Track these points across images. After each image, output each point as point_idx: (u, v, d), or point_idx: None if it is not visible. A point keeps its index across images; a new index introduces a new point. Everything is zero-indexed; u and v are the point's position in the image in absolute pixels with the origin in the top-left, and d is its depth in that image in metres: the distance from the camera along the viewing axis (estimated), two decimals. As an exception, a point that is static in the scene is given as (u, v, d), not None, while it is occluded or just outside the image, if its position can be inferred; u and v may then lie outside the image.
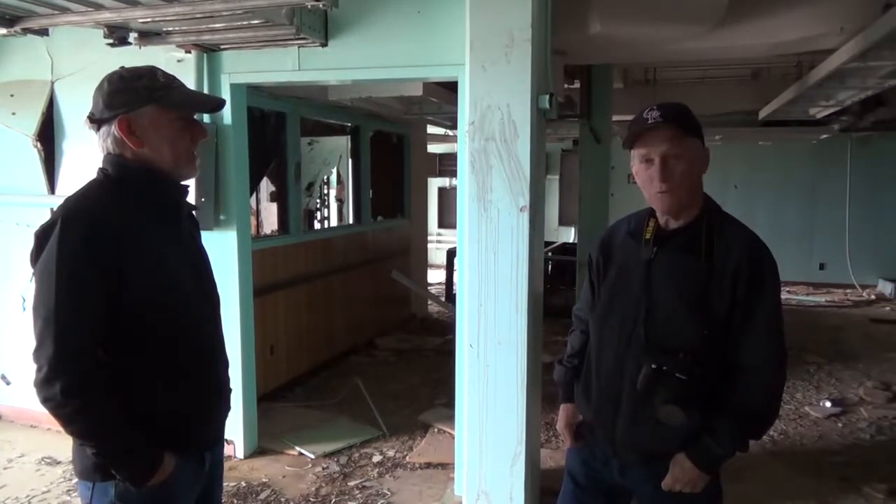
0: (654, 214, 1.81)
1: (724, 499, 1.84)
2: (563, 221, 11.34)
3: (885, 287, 9.32)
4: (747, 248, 1.71)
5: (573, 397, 2.00)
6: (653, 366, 1.66)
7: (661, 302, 1.73)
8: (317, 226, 7.07)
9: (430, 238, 9.09)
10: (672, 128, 1.69)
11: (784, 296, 9.17)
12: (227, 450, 3.79)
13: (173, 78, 1.61)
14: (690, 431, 1.70)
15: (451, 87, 3.96)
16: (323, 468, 3.75)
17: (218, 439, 1.78)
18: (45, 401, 1.43)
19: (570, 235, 10.80)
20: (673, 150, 1.68)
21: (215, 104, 1.79)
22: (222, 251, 3.65)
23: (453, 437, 3.64)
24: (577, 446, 1.99)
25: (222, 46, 3.51)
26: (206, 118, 3.49)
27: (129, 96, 1.53)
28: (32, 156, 4.02)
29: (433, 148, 9.63)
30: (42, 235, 1.46)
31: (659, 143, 1.69)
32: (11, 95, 4.05)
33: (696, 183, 1.75)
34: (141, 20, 2.96)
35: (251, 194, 5.23)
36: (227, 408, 1.77)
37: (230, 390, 1.78)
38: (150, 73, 1.57)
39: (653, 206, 1.79)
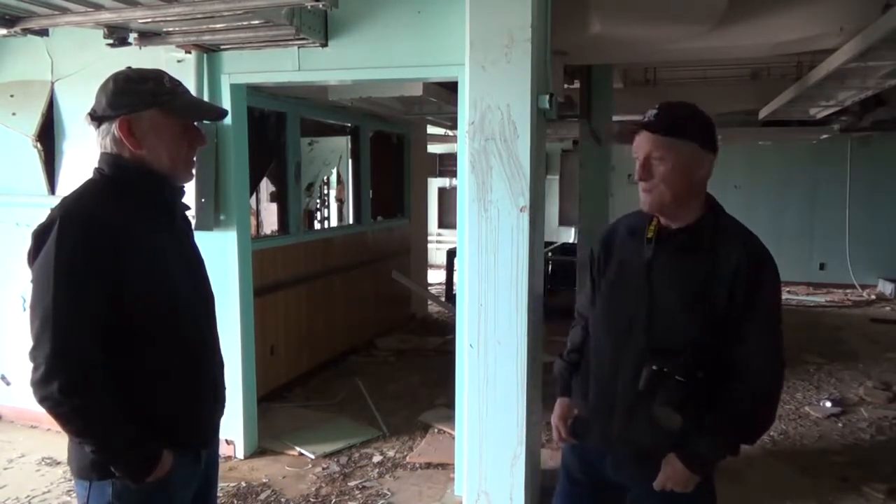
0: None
1: (725, 499, 1.84)
2: (563, 221, 11.33)
3: (885, 287, 9.32)
4: (747, 251, 1.69)
5: (570, 392, 2.01)
6: (654, 367, 1.66)
7: (661, 302, 1.72)
8: (317, 226, 7.06)
9: (430, 238, 9.08)
10: (659, 129, 1.69)
11: (784, 296, 9.20)
12: (228, 450, 3.80)
13: (179, 83, 1.61)
14: (685, 432, 1.69)
15: (451, 87, 3.96)
16: (323, 468, 3.75)
17: (213, 437, 1.79)
18: (43, 400, 1.43)
19: (570, 235, 10.78)
20: (655, 150, 1.69)
21: (218, 113, 1.79)
22: (222, 251, 3.65)
23: (453, 438, 3.64)
24: (568, 441, 1.98)
25: (222, 47, 3.51)
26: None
27: (133, 98, 1.53)
28: (32, 156, 4.02)
29: (433, 148, 9.62)
30: (40, 235, 1.46)
31: (644, 143, 1.71)
32: (11, 96, 4.05)
33: (687, 185, 1.71)
34: (141, 20, 2.96)
35: (251, 194, 5.23)
36: (222, 406, 1.78)
37: (225, 389, 1.79)
38: (157, 76, 1.58)
39: None
